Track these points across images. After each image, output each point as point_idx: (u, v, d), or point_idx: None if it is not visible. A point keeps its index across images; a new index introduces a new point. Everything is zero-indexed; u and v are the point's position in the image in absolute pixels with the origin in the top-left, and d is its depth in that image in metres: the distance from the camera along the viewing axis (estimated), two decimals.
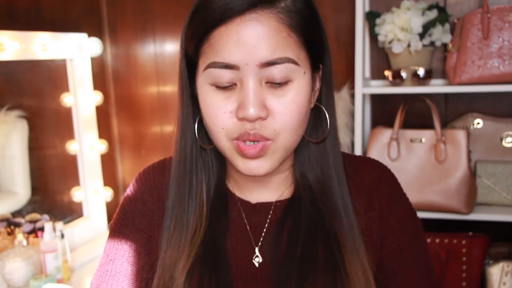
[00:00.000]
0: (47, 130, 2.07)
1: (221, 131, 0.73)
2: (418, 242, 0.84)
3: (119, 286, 0.84)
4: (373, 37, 1.86)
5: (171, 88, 2.28)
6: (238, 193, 0.85)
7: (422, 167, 1.73)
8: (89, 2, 2.23)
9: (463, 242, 1.77)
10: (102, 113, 2.22)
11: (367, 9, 1.87)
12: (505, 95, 1.82)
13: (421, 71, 1.76)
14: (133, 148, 2.38)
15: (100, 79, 2.24)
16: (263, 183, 0.83)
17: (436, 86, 1.80)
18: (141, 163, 2.36)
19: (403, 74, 1.78)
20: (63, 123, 2.08)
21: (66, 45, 1.96)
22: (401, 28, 1.74)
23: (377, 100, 2.00)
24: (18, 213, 1.85)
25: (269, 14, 0.70)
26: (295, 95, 0.72)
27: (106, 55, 2.31)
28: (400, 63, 1.81)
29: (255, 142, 0.73)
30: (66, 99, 2.04)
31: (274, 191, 0.84)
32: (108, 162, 2.28)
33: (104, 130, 2.24)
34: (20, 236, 1.70)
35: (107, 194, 2.23)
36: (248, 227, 0.82)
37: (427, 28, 1.74)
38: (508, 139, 1.80)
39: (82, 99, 2.06)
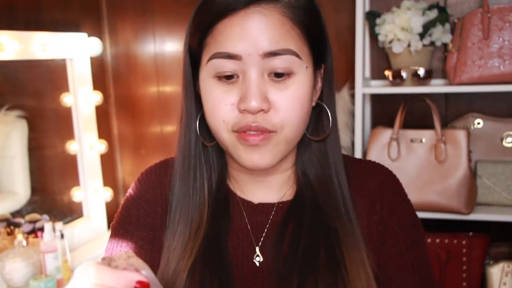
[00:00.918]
0: (47, 130, 2.07)
1: (222, 124, 0.74)
2: (418, 248, 0.83)
3: None
4: (373, 37, 1.86)
5: (171, 88, 2.28)
6: (239, 193, 0.85)
7: (422, 167, 1.73)
8: (89, 2, 2.23)
9: (463, 242, 1.77)
10: (102, 113, 2.22)
11: (367, 9, 1.86)
12: (505, 95, 1.82)
13: (421, 71, 1.76)
14: (133, 148, 2.38)
15: (100, 79, 2.24)
16: (264, 182, 0.83)
17: (436, 86, 1.80)
18: (141, 163, 2.36)
19: (403, 74, 1.78)
20: (63, 123, 2.08)
21: (66, 45, 1.96)
22: (401, 28, 1.73)
23: (377, 100, 2.00)
24: (18, 213, 1.85)
25: (273, 8, 0.71)
26: (297, 88, 0.73)
27: (106, 55, 2.31)
28: (400, 63, 1.81)
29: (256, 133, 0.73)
30: (66, 99, 2.04)
31: (276, 191, 0.84)
32: (108, 162, 2.28)
33: (104, 130, 2.24)
34: (20, 236, 1.70)
35: (107, 194, 2.23)
36: (249, 226, 0.82)
37: (427, 28, 1.74)
38: (508, 139, 1.80)
39: (82, 99, 2.06)
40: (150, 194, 0.87)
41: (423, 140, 1.74)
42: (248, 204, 0.84)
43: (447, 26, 1.78)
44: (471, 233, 1.79)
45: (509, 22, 1.64)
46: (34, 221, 1.78)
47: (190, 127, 0.81)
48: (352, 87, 1.89)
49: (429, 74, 1.78)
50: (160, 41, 2.26)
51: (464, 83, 1.69)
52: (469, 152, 1.71)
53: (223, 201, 0.84)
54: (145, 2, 2.24)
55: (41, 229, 1.72)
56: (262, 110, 0.71)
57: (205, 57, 0.74)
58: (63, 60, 2.02)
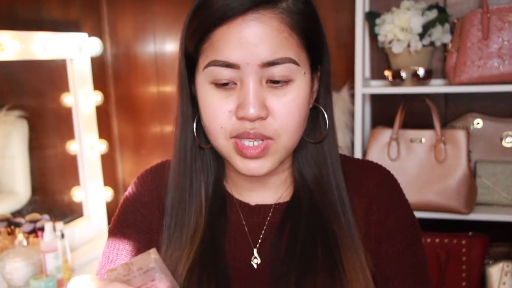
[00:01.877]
0: (47, 130, 2.07)
1: (220, 130, 0.73)
2: (415, 248, 0.84)
3: None
4: (373, 37, 1.86)
5: (171, 88, 2.29)
6: (236, 195, 0.85)
7: (422, 167, 1.73)
8: (89, 2, 2.24)
9: (463, 242, 1.77)
10: (102, 113, 2.22)
11: (367, 9, 1.87)
12: (505, 95, 1.82)
13: (421, 71, 1.77)
14: (133, 148, 2.38)
15: (100, 79, 2.24)
16: (262, 184, 0.83)
17: (436, 86, 1.80)
18: (141, 163, 2.36)
19: (403, 74, 1.78)
20: (63, 123, 2.08)
21: (66, 45, 1.96)
22: (401, 28, 1.74)
23: (377, 100, 2.00)
24: (18, 213, 1.85)
25: (271, 14, 0.70)
26: (295, 95, 0.72)
27: (106, 55, 2.31)
28: (400, 63, 1.81)
29: (255, 142, 0.73)
30: (66, 99, 2.04)
31: (273, 192, 0.84)
32: (108, 162, 2.28)
33: (104, 130, 2.24)
34: (20, 236, 1.70)
35: (107, 194, 2.23)
36: (246, 228, 0.82)
37: (427, 28, 1.74)
38: (508, 139, 1.80)
39: (82, 99, 2.06)
40: (147, 197, 0.87)
41: (423, 140, 1.74)
42: (245, 205, 0.84)
43: (447, 26, 1.78)
44: (470, 233, 1.79)
45: (508, 22, 1.64)
46: (34, 221, 1.78)
47: (186, 129, 0.80)
48: (352, 87, 1.89)
49: (428, 74, 1.78)
50: (160, 41, 2.27)
51: (464, 83, 1.69)
52: (469, 152, 1.72)
53: (220, 203, 0.83)
54: (145, 2, 2.25)
55: (42, 229, 1.73)
56: (261, 117, 0.71)
57: (202, 63, 0.73)
58: (64, 60, 2.02)
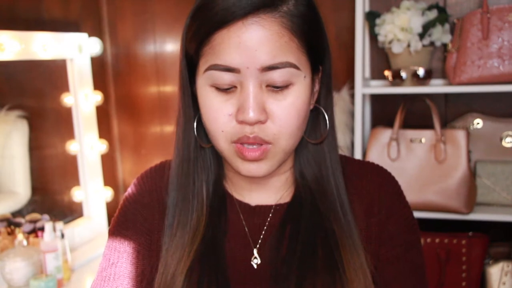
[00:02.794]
0: (47, 130, 2.07)
1: (221, 134, 0.73)
2: (415, 252, 0.83)
3: None
4: (373, 37, 1.86)
5: (171, 88, 2.29)
6: (236, 195, 0.85)
7: (422, 167, 1.73)
8: (89, 2, 2.24)
9: (463, 242, 1.77)
10: (102, 113, 2.22)
11: (367, 9, 1.87)
12: (505, 95, 1.82)
13: (421, 71, 1.77)
14: (133, 148, 2.38)
15: (100, 79, 2.24)
16: (262, 185, 0.83)
17: (436, 86, 1.80)
18: (141, 163, 2.36)
19: (403, 74, 1.78)
20: (63, 123, 2.08)
21: (66, 45, 1.96)
22: (401, 28, 1.74)
23: (377, 100, 2.00)
24: (18, 213, 1.85)
25: (271, 18, 0.69)
26: (295, 99, 0.72)
27: (106, 55, 2.31)
28: (400, 63, 1.81)
29: (254, 146, 0.73)
30: (66, 99, 2.04)
31: (274, 193, 0.84)
32: (108, 162, 2.28)
33: (104, 130, 2.24)
34: (20, 236, 1.70)
35: (107, 194, 2.23)
36: (246, 229, 0.82)
37: (427, 28, 1.74)
38: (508, 139, 1.80)
39: (82, 99, 2.06)
40: (147, 199, 0.87)
41: (423, 140, 1.74)
42: (245, 206, 0.84)
43: (447, 26, 1.78)
44: (470, 233, 1.79)
45: (508, 22, 1.64)
46: (34, 221, 1.78)
47: (187, 129, 0.80)
48: (352, 87, 1.89)
49: (428, 74, 1.78)
50: (160, 41, 2.27)
51: (464, 83, 1.69)
52: (469, 152, 1.72)
53: (220, 203, 0.83)
54: (145, 2, 2.25)
55: (42, 229, 1.73)
56: (260, 121, 0.71)
57: (202, 66, 0.73)
58: (64, 60, 2.02)
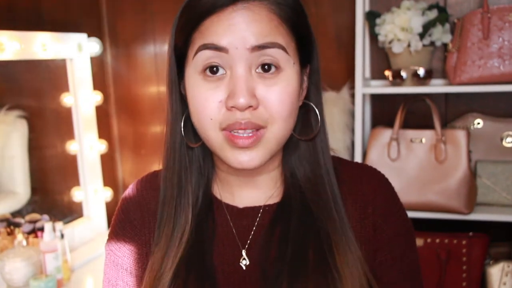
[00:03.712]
0: (47, 130, 2.07)
1: (209, 122, 0.72)
2: (411, 255, 0.83)
3: None
4: (373, 37, 1.86)
5: None
6: (225, 198, 0.84)
7: (422, 167, 1.73)
8: (89, 2, 2.24)
9: (463, 242, 1.77)
10: (102, 113, 2.22)
11: (367, 9, 1.86)
12: (505, 95, 1.82)
13: (421, 71, 1.76)
14: (133, 148, 2.38)
15: (100, 79, 2.24)
16: (252, 183, 0.82)
17: (436, 86, 1.80)
18: (141, 163, 2.36)
19: (403, 74, 1.78)
20: (63, 123, 2.08)
21: (66, 45, 1.96)
22: (401, 28, 1.74)
23: (377, 100, 2.00)
24: (18, 213, 1.85)
25: (260, 4, 0.71)
26: (285, 84, 0.72)
27: (106, 55, 2.31)
28: (400, 63, 1.81)
29: (246, 133, 0.72)
30: (66, 99, 2.04)
31: (263, 192, 0.83)
32: (108, 162, 2.28)
33: (104, 130, 2.24)
34: (20, 236, 1.70)
35: (107, 194, 2.23)
36: (234, 231, 0.81)
37: (427, 28, 1.74)
38: (508, 139, 1.80)
39: (82, 99, 2.06)
40: (133, 214, 0.86)
41: (423, 140, 1.74)
42: (233, 208, 0.83)
43: (447, 26, 1.78)
44: (471, 233, 1.79)
45: (508, 22, 1.64)
46: (34, 221, 1.78)
47: (176, 128, 0.80)
48: (352, 87, 1.89)
49: (429, 74, 1.78)
50: (160, 41, 2.26)
51: (464, 83, 1.69)
52: (469, 152, 1.71)
53: (207, 208, 0.83)
54: (145, 2, 2.25)
55: (41, 229, 1.72)
56: (251, 106, 0.70)
57: (191, 53, 0.74)
58: (63, 60, 2.02)
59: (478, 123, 1.83)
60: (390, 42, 1.78)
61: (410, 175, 1.74)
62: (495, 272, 1.74)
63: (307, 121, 0.82)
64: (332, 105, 1.91)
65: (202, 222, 0.81)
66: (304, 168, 0.82)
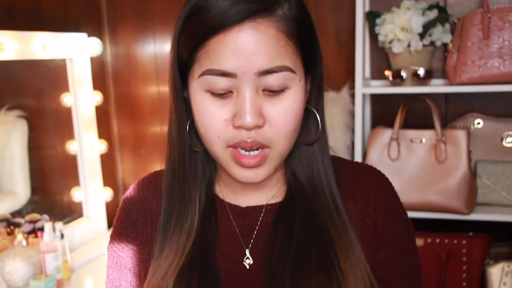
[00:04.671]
0: (47, 130, 2.07)
1: (217, 139, 0.73)
2: (411, 255, 0.83)
3: None
4: (373, 37, 1.86)
5: None
6: (227, 198, 0.84)
7: (422, 167, 1.73)
8: (89, 2, 2.24)
9: (463, 242, 1.77)
10: (102, 113, 2.22)
11: (367, 9, 1.86)
12: (506, 95, 1.82)
13: (421, 71, 1.76)
14: (133, 148, 2.38)
15: (100, 79, 2.24)
16: (254, 185, 0.82)
17: (436, 86, 1.80)
18: (141, 163, 2.36)
19: (403, 74, 1.78)
20: (63, 123, 2.08)
21: (66, 45, 1.96)
22: (401, 28, 1.74)
23: (377, 100, 2.00)
24: (18, 213, 1.85)
25: (268, 22, 0.69)
26: (291, 102, 0.72)
27: (106, 55, 2.31)
28: (400, 63, 1.81)
29: (251, 152, 0.72)
30: (66, 99, 2.04)
31: (265, 193, 0.84)
32: (107, 162, 2.28)
33: (104, 130, 2.24)
34: (20, 236, 1.70)
35: (107, 194, 2.23)
36: (237, 230, 0.82)
37: (427, 28, 1.74)
38: (509, 139, 1.80)
39: (82, 99, 2.06)
40: (136, 213, 0.86)
41: (423, 140, 1.74)
42: (235, 208, 0.83)
43: (447, 26, 1.78)
44: (471, 233, 1.79)
45: (509, 22, 1.64)
46: (34, 221, 1.78)
47: (181, 133, 0.80)
48: (352, 87, 1.89)
49: (429, 74, 1.78)
50: (160, 41, 2.26)
51: (464, 83, 1.69)
52: (469, 152, 1.71)
53: (210, 208, 0.83)
54: (145, 2, 2.25)
55: (41, 229, 1.72)
56: (258, 126, 0.70)
57: (196, 71, 0.72)
58: (63, 60, 2.02)
59: (478, 123, 1.84)
60: (390, 42, 1.78)
61: (410, 175, 1.74)
62: (495, 272, 1.74)
63: (308, 124, 0.82)
64: (332, 105, 1.92)
65: (205, 222, 0.81)
66: (304, 170, 0.82)
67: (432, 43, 1.80)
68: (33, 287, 1.55)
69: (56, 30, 1.94)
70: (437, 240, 1.79)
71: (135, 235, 0.85)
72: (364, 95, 1.84)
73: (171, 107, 0.81)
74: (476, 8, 1.77)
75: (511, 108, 1.86)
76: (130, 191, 0.90)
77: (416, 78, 1.77)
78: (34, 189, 1.94)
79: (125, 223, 0.87)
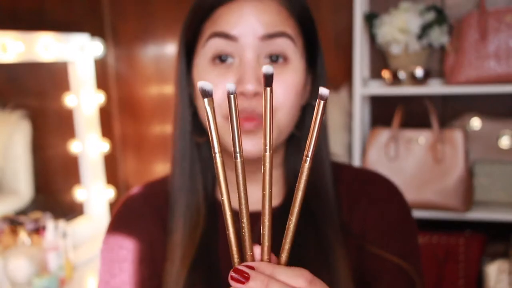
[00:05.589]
0: (50, 130, 2.09)
1: (216, 108, 0.73)
2: (415, 260, 0.84)
3: None
4: (372, 38, 1.88)
5: (172, 89, 2.30)
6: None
7: (420, 167, 1.75)
8: (92, 3, 2.25)
9: (461, 241, 1.78)
10: (104, 113, 2.24)
11: (365, 10, 1.88)
12: (502, 95, 1.83)
13: (419, 72, 1.78)
14: (135, 148, 2.40)
15: (102, 80, 2.25)
16: (254, 182, 0.82)
17: (434, 87, 1.81)
18: (143, 163, 2.38)
19: (401, 75, 1.80)
20: (66, 123, 2.10)
21: (69, 46, 1.98)
22: (399, 29, 1.75)
23: (375, 101, 2.02)
24: (21, 212, 1.87)
25: None
26: (292, 75, 0.74)
27: (108, 56, 2.33)
28: (398, 64, 1.83)
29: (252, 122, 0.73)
30: (69, 100, 2.06)
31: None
32: (110, 162, 2.30)
33: (106, 130, 2.26)
34: (23, 235, 1.72)
35: (109, 193, 2.25)
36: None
37: (425, 29, 1.76)
38: (505, 139, 1.81)
39: (84, 99, 2.08)
40: (138, 208, 0.87)
41: (421, 140, 1.76)
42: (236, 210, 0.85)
43: (445, 27, 1.80)
44: (468, 232, 1.81)
45: (505, 23, 1.65)
46: (37, 220, 1.79)
47: (183, 126, 0.81)
48: (351, 88, 1.90)
49: (426, 75, 1.79)
50: (161, 42, 2.28)
51: (461, 84, 1.70)
52: (467, 152, 1.73)
53: (211, 210, 0.84)
54: (147, 3, 2.26)
55: (44, 228, 1.74)
56: (258, 93, 0.72)
57: (201, 42, 0.75)
58: (66, 61, 2.04)
59: (476, 123, 1.85)
60: (388, 43, 1.79)
61: (408, 175, 1.75)
62: (492, 270, 1.75)
63: (309, 124, 0.83)
64: (331, 105, 1.93)
65: (208, 225, 0.82)
66: None
67: (430, 44, 1.82)
68: (36, 285, 1.57)
69: (58, 31, 1.94)
70: (434, 239, 1.81)
71: (137, 231, 0.86)
72: (362, 96, 1.85)
73: (175, 98, 0.82)
74: (473, 9, 1.79)
75: (507, 108, 1.87)
76: (133, 190, 0.91)
77: (414, 79, 1.79)
78: (37, 188, 1.96)
79: (125, 218, 0.87)
